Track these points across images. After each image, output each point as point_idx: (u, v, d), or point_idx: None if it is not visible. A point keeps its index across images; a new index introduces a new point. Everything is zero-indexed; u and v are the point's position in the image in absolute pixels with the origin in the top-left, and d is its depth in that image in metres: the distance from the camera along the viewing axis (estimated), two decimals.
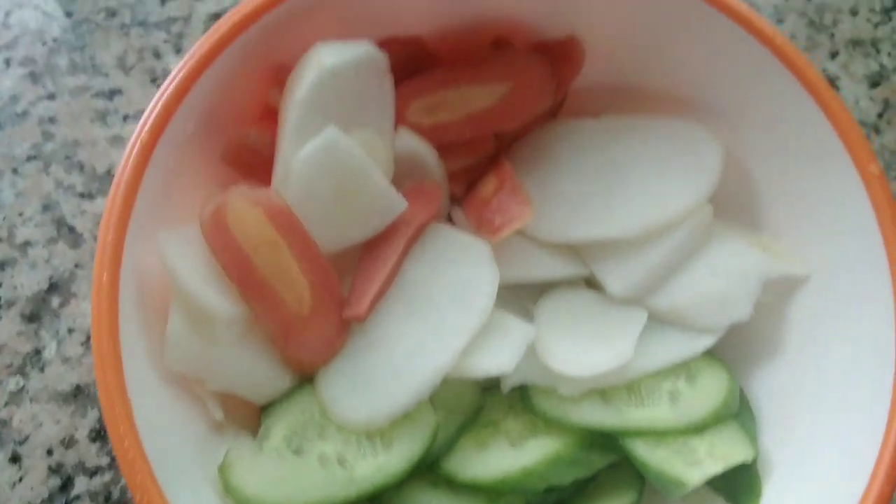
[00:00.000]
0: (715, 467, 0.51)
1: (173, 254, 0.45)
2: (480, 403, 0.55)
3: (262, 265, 0.46)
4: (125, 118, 0.69)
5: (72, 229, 0.66)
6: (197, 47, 0.46)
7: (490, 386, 0.56)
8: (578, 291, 0.59)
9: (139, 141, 0.43)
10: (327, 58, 0.48)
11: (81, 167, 0.67)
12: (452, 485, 0.52)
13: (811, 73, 0.52)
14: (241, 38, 0.47)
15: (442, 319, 0.52)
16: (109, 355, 0.41)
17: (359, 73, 0.49)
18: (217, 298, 0.46)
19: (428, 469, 0.53)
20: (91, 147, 0.68)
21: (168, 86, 0.45)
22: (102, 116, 0.69)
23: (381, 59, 0.51)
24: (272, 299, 0.47)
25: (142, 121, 0.44)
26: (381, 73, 0.51)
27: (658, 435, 0.53)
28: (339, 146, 0.48)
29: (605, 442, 0.53)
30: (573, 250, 0.59)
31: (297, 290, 0.48)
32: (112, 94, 0.70)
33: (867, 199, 0.52)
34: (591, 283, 0.59)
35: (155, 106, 0.44)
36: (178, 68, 0.45)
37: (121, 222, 0.43)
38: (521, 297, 0.58)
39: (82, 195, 0.67)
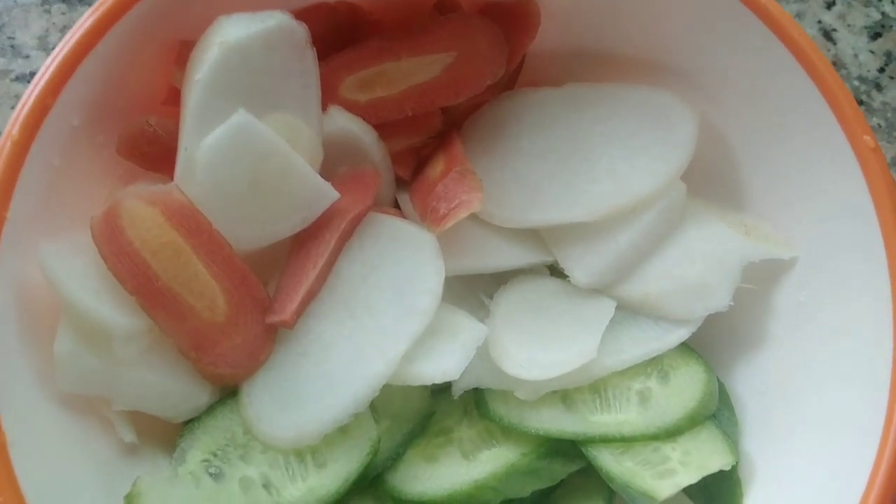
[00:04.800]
0: (689, 478, 0.46)
1: (58, 265, 0.40)
2: (430, 409, 0.51)
3: (164, 271, 0.41)
4: None
5: None
6: (77, 26, 0.40)
7: (442, 388, 0.51)
8: (540, 281, 0.53)
9: (9, 140, 0.38)
10: (231, 32, 0.42)
11: None
12: (398, 502, 0.47)
13: (796, 33, 0.47)
14: (134, 11, 0.42)
15: (380, 322, 0.47)
16: None
17: (271, 48, 0.44)
18: (111, 312, 0.41)
19: (371, 485, 0.48)
20: None
21: (42, 75, 0.39)
22: None
23: (299, 30, 0.45)
24: (178, 308, 0.42)
25: (13, 116, 0.39)
26: (299, 47, 0.45)
27: (626, 442, 0.48)
28: (249, 132, 0.43)
29: (568, 449, 0.49)
30: (534, 236, 0.53)
31: (207, 297, 0.43)
32: (33, 77, 0.64)
33: (860, 174, 0.47)
34: (556, 271, 0.54)
35: (27, 99, 0.39)
36: (55, 52, 0.39)
37: None
38: (476, 288, 0.53)
39: None
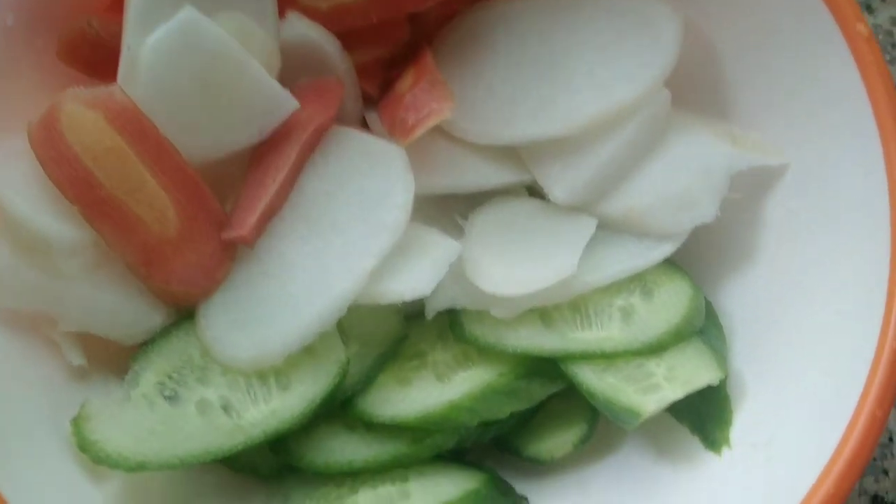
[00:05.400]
0: (674, 393, 0.44)
1: None
2: (403, 333, 0.48)
3: (107, 179, 0.39)
4: None
5: None
6: None
7: (416, 313, 0.49)
8: (518, 201, 0.51)
9: None
10: None
11: None
12: (371, 427, 0.46)
13: None
14: None
15: (346, 239, 0.45)
16: None
17: None
18: (51, 222, 0.39)
19: (341, 410, 0.46)
20: None
21: None
22: None
23: None
24: (125, 220, 0.40)
25: None
26: None
27: (608, 358, 0.45)
28: (196, 30, 0.40)
29: (547, 369, 0.46)
30: (511, 153, 0.51)
31: (157, 209, 0.40)
32: None
33: (854, 68, 0.44)
34: (535, 192, 0.51)
35: None
36: None
37: None
38: (450, 210, 0.51)
39: None
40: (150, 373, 0.41)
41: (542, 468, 0.49)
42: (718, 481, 0.43)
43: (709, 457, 0.44)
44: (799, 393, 0.44)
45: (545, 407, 0.49)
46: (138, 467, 0.39)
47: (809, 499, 0.37)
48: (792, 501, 0.37)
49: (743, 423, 0.44)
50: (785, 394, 0.44)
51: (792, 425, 0.42)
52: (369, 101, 0.51)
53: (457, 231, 0.49)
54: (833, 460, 0.38)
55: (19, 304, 0.39)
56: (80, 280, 0.40)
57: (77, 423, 0.39)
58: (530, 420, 0.49)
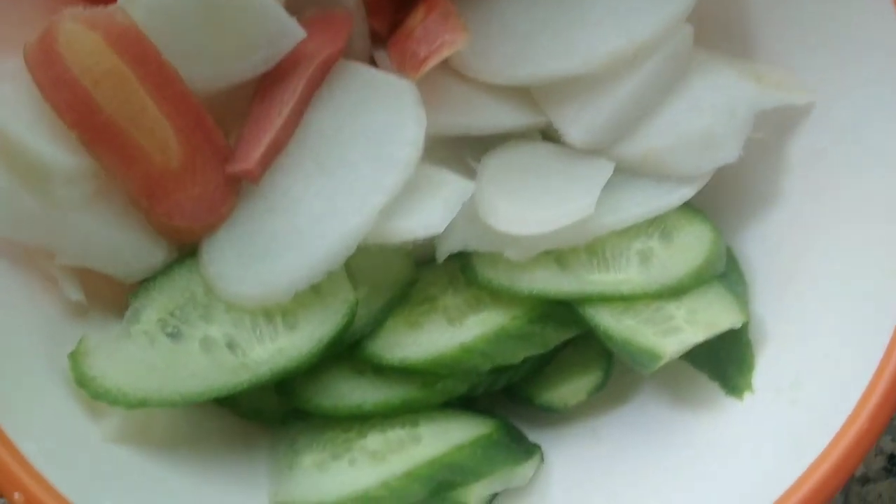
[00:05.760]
0: (695, 336, 0.42)
1: None
2: (413, 277, 0.47)
3: (107, 103, 0.37)
4: None
5: None
6: None
7: (426, 259, 0.47)
8: (532, 145, 0.49)
9: None
10: None
11: None
12: (379, 371, 0.44)
13: None
14: None
15: (355, 176, 0.43)
16: None
17: None
18: (49, 147, 0.37)
19: (350, 354, 0.44)
20: None
21: None
22: None
23: None
24: (126, 148, 0.38)
25: None
26: None
27: (626, 301, 0.44)
28: None
29: (562, 314, 0.45)
30: (525, 95, 0.49)
31: (158, 137, 0.39)
32: None
33: (894, 16, 0.41)
34: (549, 136, 0.49)
35: None
36: None
37: None
38: (461, 153, 0.49)
39: None
40: (152, 310, 0.40)
41: (554, 417, 0.47)
42: (740, 426, 0.42)
43: (729, 403, 0.43)
44: (824, 336, 0.42)
45: (558, 357, 0.48)
46: (139, 404, 0.37)
47: (837, 441, 0.36)
48: (819, 445, 0.36)
49: (765, 369, 0.43)
50: (809, 338, 0.43)
51: (817, 369, 0.41)
52: (378, 40, 0.50)
53: (469, 174, 0.48)
54: (862, 402, 0.37)
55: (15, 233, 0.38)
56: (78, 211, 0.38)
57: (75, 357, 0.38)
58: (543, 370, 0.48)
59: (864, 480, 0.56)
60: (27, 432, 0.34)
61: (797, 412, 0.39)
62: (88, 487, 0.34)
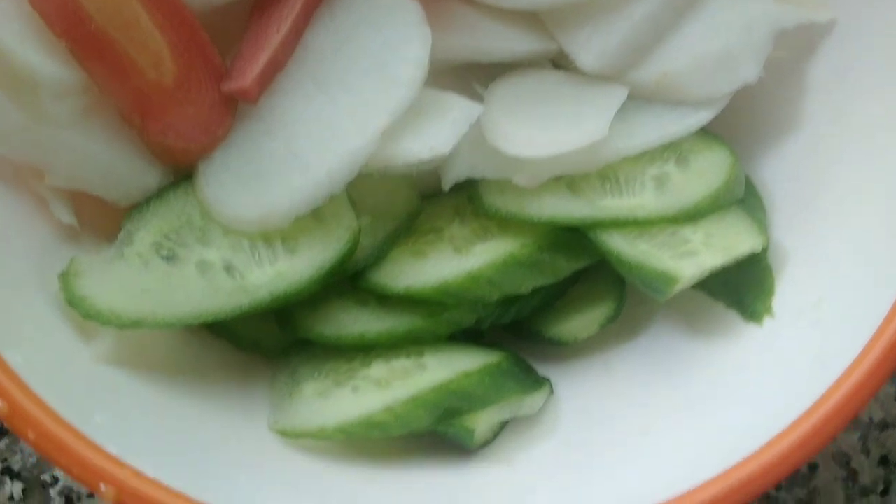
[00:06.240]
0: (713, 259, 0.40)
1: None
2: (417, 209, 0.45)
3: (98, 12, 0.35)
4: None
5: None
6: None
7: (430, 191, 0.45)
8: (542, 71, 0.47)
9: None
10: None
11: None
12: (383, 301, 0.43)
13: None
14: None
15: (357, 96, 0.41)
16: None
17: None
18: (38, 57, 0.35)
19: (353, 284, 0.43)
20: None
21: None
22: None
23: None
24: (118, 62, 0.36)
25: None
26: None
27: (640, 226, 0.42)
28: None
29: (572, 243, 0.43)
30: (535, 20, 0.47)
31: (152, 51, 0.37)
32: None
33: None
34: (560, 66, 0.47)
35: None
36: None
37: None
38: (468, 80, 0.47)
39: None
40: (146, 232, 0.38)
41: (564, 351, 0.46)
42: (760, 351, 0.40)
43: (748, 329, 0.41)
44: (845, 259, 0.40)
45: (569, 292, 0.46)
46: (132, 325, 0.36)
47: (864, 356, 0.34)
48: (845, 360, 0.34)
49: (785, 292, 0.41)
50: (830, 261, 0.41)
51: (839, 290, 0.39)
52: None
53: (477, 100, 0.46)
54: (888, 320, 0.35)
55: (3, 149, 0.36)
56: (69, 127, 0.37)
57: (65, 278, 0.36)
58: (551, 303, 0.46)
59: (884, 426, 0.54)
60: (13, 344, 0.32)
61: (820, 332, 0.38)
62: (77, 402, 0.32)
